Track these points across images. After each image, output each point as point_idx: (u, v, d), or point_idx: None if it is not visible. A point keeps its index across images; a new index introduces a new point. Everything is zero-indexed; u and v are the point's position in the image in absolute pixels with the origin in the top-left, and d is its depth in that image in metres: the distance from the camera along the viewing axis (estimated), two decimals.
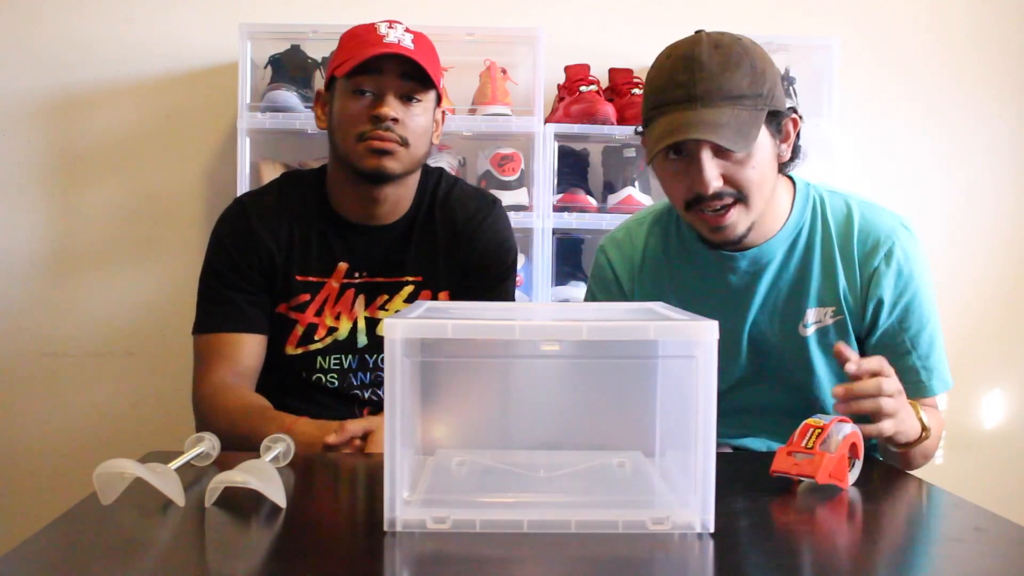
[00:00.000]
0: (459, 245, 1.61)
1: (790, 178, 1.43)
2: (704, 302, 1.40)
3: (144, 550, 0.91)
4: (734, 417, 1.44)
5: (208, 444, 1.17)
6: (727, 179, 1.27)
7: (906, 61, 2.56)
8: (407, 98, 1.49)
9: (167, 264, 2.42)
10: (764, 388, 1.44)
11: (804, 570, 0.90)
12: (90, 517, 0.97)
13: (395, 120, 1.47)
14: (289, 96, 2.20)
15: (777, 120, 1.31)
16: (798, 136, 1.37)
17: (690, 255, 1.45)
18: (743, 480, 1.12)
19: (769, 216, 1.36)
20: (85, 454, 2.37)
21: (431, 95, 1.53)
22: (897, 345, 1.37)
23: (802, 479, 1.07)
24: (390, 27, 1.51)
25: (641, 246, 1.51)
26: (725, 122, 1.23)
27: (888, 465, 1.30)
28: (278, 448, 1.16)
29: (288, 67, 2.28)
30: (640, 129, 1.37)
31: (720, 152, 1.26)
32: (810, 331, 1.39)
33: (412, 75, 1.48)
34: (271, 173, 2.21)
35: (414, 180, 1.60)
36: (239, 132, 2.19)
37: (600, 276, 1.55)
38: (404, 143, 1.49)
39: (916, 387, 1.36)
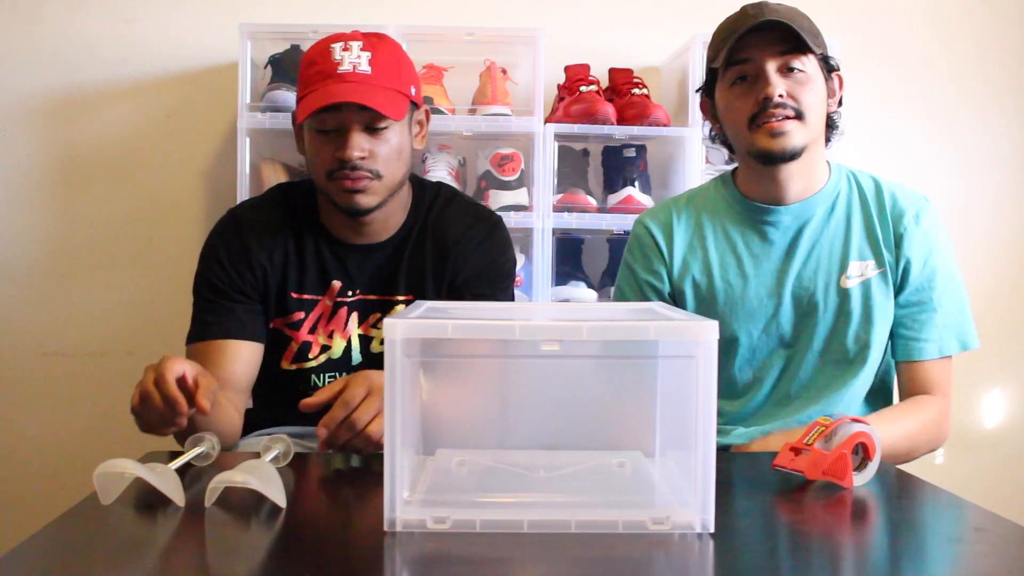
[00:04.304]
0: (447, 264, 1.56)
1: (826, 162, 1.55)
2: (746, 259, 1.50)
3: (144, 550, 0.91)
4: (766, 408, 1.50)
5: (208, 444, 1.17)
6: (789, 94, 1.40)
7: (906, 61, 2.56)
8: (373, 128, 1.43)
9: (167, 264, 2.42)
10: (804, 356, 1.48)
11: (804, 570, 0.90)
12: (90, 517, 0.97)
13: (363, 157, 1.43)
14: (289, 96, 2.20)
15: (828, 70, 1.46)
16: (839, 103, 1.51)
17: (735, 213, 1.54)
18: (743, 480, 1.12)
19: (811, 175, 1.49)
20: (85, 454, 2.36)
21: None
22: (925, 303, 1.47)
23: (799, 474, 1.08)
24: (345, 48, 1.43)
25: (677, 214, 1.59)
26: (796, 21, 1.38)
27: (888, 465, 1.30)
28: (278, 448, 1.16)
29: (288, 67, 2.27)
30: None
31: (784, 72, 1.40)
32: (853, 283, 1.47)
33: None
34: (271, 173, 2.22)
35: (402, 196, 1.56)
36: (239, 132, 2.19)
37: (638, 245, 1.60)
38: (376, 176, 1.44)
39: (938, 346, 1.46)
